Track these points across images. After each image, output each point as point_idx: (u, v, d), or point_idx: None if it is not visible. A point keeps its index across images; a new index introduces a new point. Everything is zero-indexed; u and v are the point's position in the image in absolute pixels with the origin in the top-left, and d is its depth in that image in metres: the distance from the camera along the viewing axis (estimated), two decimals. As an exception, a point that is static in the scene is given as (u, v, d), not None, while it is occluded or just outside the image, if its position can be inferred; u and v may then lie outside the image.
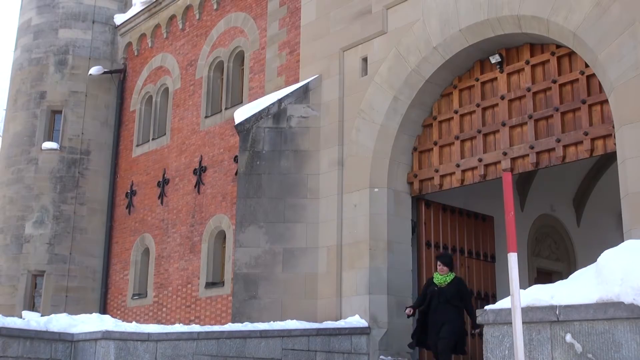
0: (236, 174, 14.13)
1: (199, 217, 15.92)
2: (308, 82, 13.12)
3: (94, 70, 19.06)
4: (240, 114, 13.35)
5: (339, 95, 12.70)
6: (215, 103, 16.59)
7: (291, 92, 13.10)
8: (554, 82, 10.59)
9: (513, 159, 10.93)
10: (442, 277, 10.14)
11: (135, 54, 19.50)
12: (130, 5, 20.14)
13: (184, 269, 16.06)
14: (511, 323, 4.97)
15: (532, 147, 10.67)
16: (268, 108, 12.98)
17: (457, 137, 11.77)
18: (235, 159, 14.73)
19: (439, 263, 10.24)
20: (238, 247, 12.54)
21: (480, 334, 7.20)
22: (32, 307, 17.82)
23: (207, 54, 16.89)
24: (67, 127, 19.07)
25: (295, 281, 12.21)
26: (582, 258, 15.73)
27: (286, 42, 14.27)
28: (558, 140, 10.35)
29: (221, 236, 15.51)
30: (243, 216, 12.58)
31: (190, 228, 16.11)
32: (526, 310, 5.86)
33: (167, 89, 18.19)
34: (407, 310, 10.40)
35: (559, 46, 10.57)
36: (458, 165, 11.66)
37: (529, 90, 10.92)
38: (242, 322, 11.03)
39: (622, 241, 7.37)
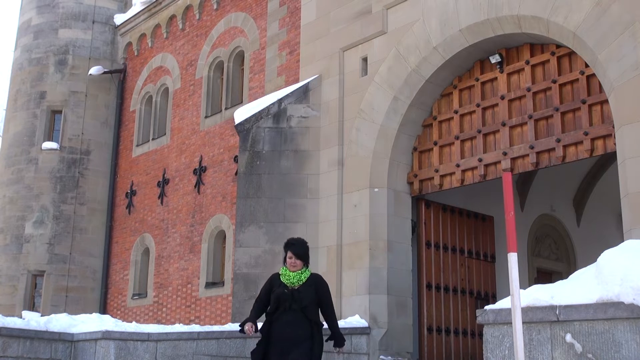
0: (236, 174, 14.13)
1: (199, 217, 15.92)
2: (308, 82, 13.11)
3: (94, 70, 19.07)
4: (240, 114, 13.35)
5: (339, 95, 12.70)
6: (215, 103, 16.59)
7: (291, 92, 13.10)
8: (554, 82, 10.59)
9: (513, 159, 10.93)
10: (294, 275, 7.02)
11: (135, 54, 19.50)
12: (130, 5, 20.15)
13: (184, 269, 16.06)
14: (511, 323, 4.97)
15: (532, 147, 10.67)
16: (268, 108, 12.98)
17: (457, 137, 11.77)
18: (235, 159, 14.73)
19: (289, 254, 7.09)
20: (238, 247, 12.54)
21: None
22: (32, 307, 17.83)
23: (207, 54, 16.89)
24: (67, 127, 19.08)
25: (295, 281, 12.18)
26: (582, 258, 15.73)
27: (286, 42, 14.27)
28: (558, 140, 10.34)
29: (221, 236, 15.51)
30: (243, 216, 12.58)
31: (190, 228, 16.10)
32: (526, 310, 5.86)
33: (167, 89, 18.19)
34: (246, 328, 6.98)
35: (559, 46, 10.57)
36: (458, 165, 11.65)
37: (529, 90, 10.92)
38: (242, 322, 11.02)
39: (622, 241, 7.37)
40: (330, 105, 12.81)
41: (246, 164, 12.81)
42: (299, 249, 7.09)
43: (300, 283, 7.00)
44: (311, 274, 7.12)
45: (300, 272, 7.04)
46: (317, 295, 7.02)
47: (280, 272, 7.12)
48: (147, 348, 9.45)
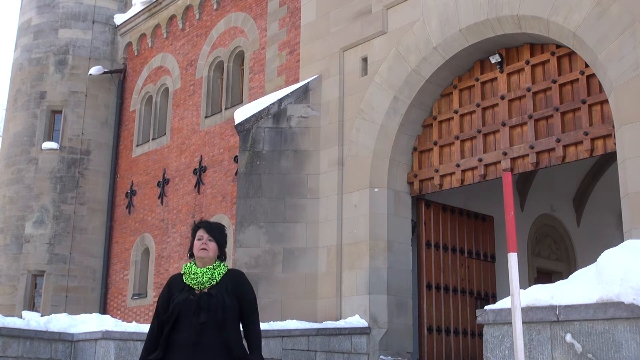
0: (236, 174, 14.13)
1: (199, 217, 15.91)
2: (308, 82, 13.11)
3: (94, 70, 19.07)
4: (240, 114, 13.35)
5: (339, 95, 12.70)
6: (215, 103, 16.59)
7: (291, 92, 13.10)
8: (554, 82, 10.59)
9: (513, 159, 10.93)
10: (203, 271, 4.83)
11: (135, 54, 19.50)
12: (130, 5, 20.15)
13: (184, 269, 16.05)
14: (511, 323, 4.96)
15: (532, 147, 10.67)
16: (268, 108, 12.98)
17: (457, 137, 11.77)
18: (235, 159, 14.73)
19: (198, 234, 4.94)
20: (238, 247, 12.54)
21: None
22: (32, 307, 17.83)
23: (207, 54, 16.89)
24: (67, 127, 19.08)
25: (295, 281, 12.21)
26: (582, 258, 15.73)
27: (286, 42, 14.27)
28: (558, 140, 10.34)
29: (221, 236, 15.49)
30: (243, 216, 12.58)
31: (190, 228, 16.09)
32: (526, 310, 5.85)
33: (167, 89, 18.19)
34: None
35: (559, 46, 10.57)
36: (458, 165, 11.65)
37: (529, 90, 10.92)
38: (242, 322, 11.01)
39: (622, 241, 7.37)
40: (330, 105, 12.81)
41: (246, 164, 12.81)
42: (213, 230, 4.92)
43: (213, 283, 4.77)
44: (229, 270, 4.87)
45: (212, 267, 4.81)
46: (238, 302, 4.75)
47: (182, 271, 4.89)
48: (147, 348, 9.44)
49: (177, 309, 4.71)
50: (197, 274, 4.80)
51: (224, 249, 4.97)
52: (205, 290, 4.76)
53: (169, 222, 16.81)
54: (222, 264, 4.88)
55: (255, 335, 4.81)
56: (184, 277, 4.86)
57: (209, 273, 4.80)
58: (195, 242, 4.89)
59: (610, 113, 9.59)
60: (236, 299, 4.76)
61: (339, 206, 12.21)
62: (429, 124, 12.23)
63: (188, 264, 4.90)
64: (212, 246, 4.86)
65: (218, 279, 4.79)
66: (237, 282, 4.86)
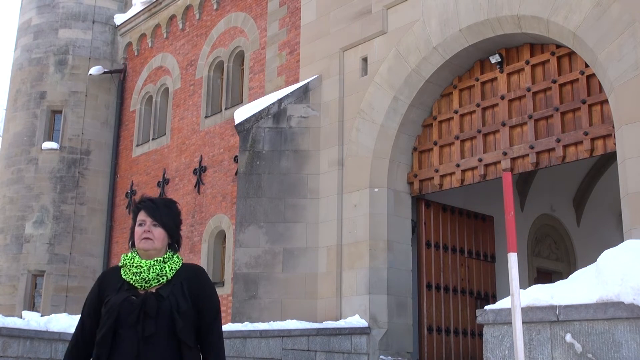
0: (236, 174, 14.13)
1: (199, 217, 15.92)
2: (308, 82, 13.11)
3: (94, 70, 19.08)
4: (240, 114, 13.36)
5: (339, 95, 12.70)
6: (215, 103, 16.60)
7: (291, 92, 13.10)
8: (554, 82, 10.59)
9: (513, 159, 10.93)
10: (148, 265, 3.61)
11: (135, 54, 19.50)
12: (130, 5, 20.15)
13: (184, 269, 16.06)
14: (511, 323, 4.97)
15: (532, 147, 10.67)
16: (268, 108, 12.98)
17: (457, 137, 11.77)
18: (235, 159, 14.73)
19: (140, 217, 3.68)
20: (238, 247, 12.54)
21: None
22: (32, 307, 17.83)
23: (207, 54, 16.90)
24: (67, 127, 19.08)
25: (295, 281, 12.21)
26: (582, 258, 15.73)
27: (286, 42, 14.27)
28: (558, 140, 10.34)
29: (221, 236, 15.51)
30: (243, 216, 12.58)
31: (190, 228, 16.11)
32: (526, 310, 5.86)
33: (167, 89, 18.20)
34: None
35: (559, 46, 10.57)
36: (458, 165, 11.65)
37: (529, 90, 10.92)
38: (242, 322, 11.04)
39: (622, 241, 7.37)
40: (330, 105, 12.81)
41: (246, 164, 12.81)
42: (161, 209, 3.65)
43: (163, 281, 3.56)
44: (184, 264, 3.67)
45: (161, 259, 3.60)
46: (196, 307, 3.57)
47: (121, 262, 3.64)
48: (147, 348, 9.44)
49: (112, 315, 3.42)
50: (141, 267, 3.53)
51: (177, 235, 3.68)
52: (153, 291, 3.51)
53: (169, 222, 16.80)
54: (174, 256, 3.63)
55: (215, 345, 3.57)
56: (122, 272, 3.59)
57: (158, 267, 3.54)
58: (136, 228, 3.61)
59: (610, 113, 9.59)
60: (194, 303, 3.54)
61: (339, 206, 12.21)
62: (429, 124, 12.23)
63: (129, 254, 3.62)
64: (159, 233, 3.58)
65: (170, 276, 3.55)
66: (196, 280, 3.61)
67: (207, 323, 3.58)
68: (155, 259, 3.58)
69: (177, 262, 3.63)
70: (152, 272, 3.54)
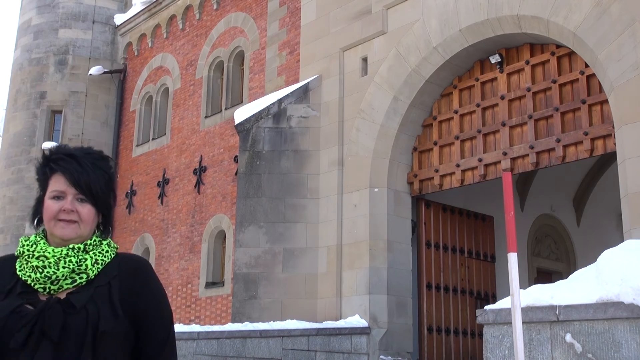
0: (236, 174, 14.13)
1: (199, 217, 15.92)
2: (308, 82, 13.11)
3: (94, 70, 19.08)
4: (240, 114, 13.36)
5: (339, 95, 12.70)
6: (215, 103, 16.60)
7: (291, 92, 13.10)
8: (554, 82, 10.59)
9: (513, 159, 10.93)
10: (61, 256, 2.23)
11: (135, 54, 19.50)
12: (130, 5, 20.16)
13: (184, 269, 16.07)
14: (511, 323, 4.97)
15: (532, 147, 10.67)
16: (268, 108, 12.98)
17: (457, 137, 11.77)
18: (235, 159, 14.73)
19: (55, 189, 2.26)
20: (238, 247, 12.54)
21: None
22: (32, 307, 17.82)
23: (207, 54, 16.90)
24: (67, 127, 19.09)
25: (295, 281, 12.21)
26: (582, 258, 15.73)
27: (286, 42, 14.27)
28: (558, 140, 10.35)
29: (221, 236, 15.52)
30: (243, 216, 12.58)
31: (190, 228, 16.11)
32: (526, 310, 5.86)
33: (167, 89, 18.20)
34: None
35: (559, 46, 10.57)
36: (458, 165, 11.65)
37: (529, 90, 10.92)
38: (242, 322, 11.04)
39: (622, 241, 7.37)
40: (330, 105, 12.81)
41: (246, 164, 12.81)
42: (89, 172, 2.30)
43: (81, 281, 2.26)
44: (118, 255, 2.38)
45: (81, 246, 2.30)
46: (133, 320, 2.27)
47: (17, 250, 2.33)
48: (147, 348, 9.44)
49: (8, 326, 2.16)
50: (46, 258, 2.25)
51: (110, 215, 2.43)
52: (62, 296, 2.23)
53: (169, 222, 16.81)
54: (103, 242, 2.37)
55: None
56: (17, 265, 2.30)
57: (74, 259, 2.26)
58: (48, 202, 2.29)
59: (610, 113, 9.59)
60: (131, 317, 2.25)
61: (339, 206, 12.21)
62: (429, 124, 12.23)
63: (31, 237, 2.32)
64: (88, 213, 2.31)
65: (93, 273, 2.28)
66: (135, 280, 2.32)
67: (152, 349, 2.27)
68: (71, 245, 2.26)
69: (107, 252, 2.34)
70: (64, 267, 2.23)
